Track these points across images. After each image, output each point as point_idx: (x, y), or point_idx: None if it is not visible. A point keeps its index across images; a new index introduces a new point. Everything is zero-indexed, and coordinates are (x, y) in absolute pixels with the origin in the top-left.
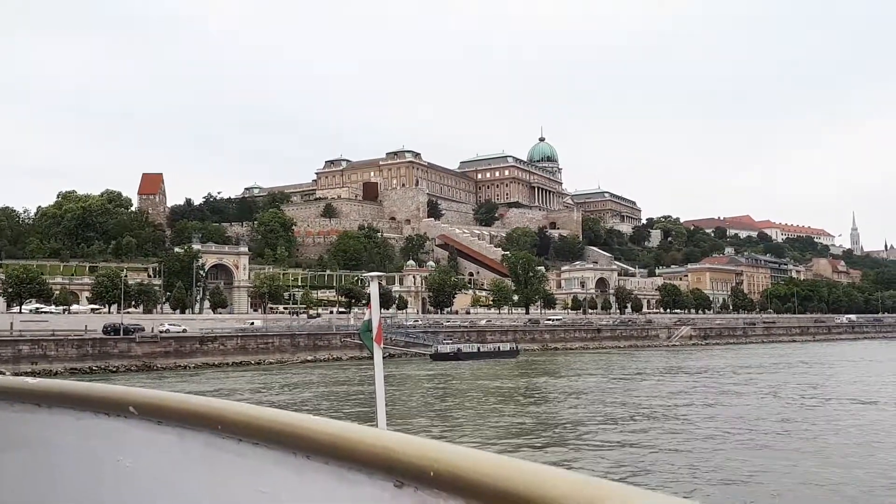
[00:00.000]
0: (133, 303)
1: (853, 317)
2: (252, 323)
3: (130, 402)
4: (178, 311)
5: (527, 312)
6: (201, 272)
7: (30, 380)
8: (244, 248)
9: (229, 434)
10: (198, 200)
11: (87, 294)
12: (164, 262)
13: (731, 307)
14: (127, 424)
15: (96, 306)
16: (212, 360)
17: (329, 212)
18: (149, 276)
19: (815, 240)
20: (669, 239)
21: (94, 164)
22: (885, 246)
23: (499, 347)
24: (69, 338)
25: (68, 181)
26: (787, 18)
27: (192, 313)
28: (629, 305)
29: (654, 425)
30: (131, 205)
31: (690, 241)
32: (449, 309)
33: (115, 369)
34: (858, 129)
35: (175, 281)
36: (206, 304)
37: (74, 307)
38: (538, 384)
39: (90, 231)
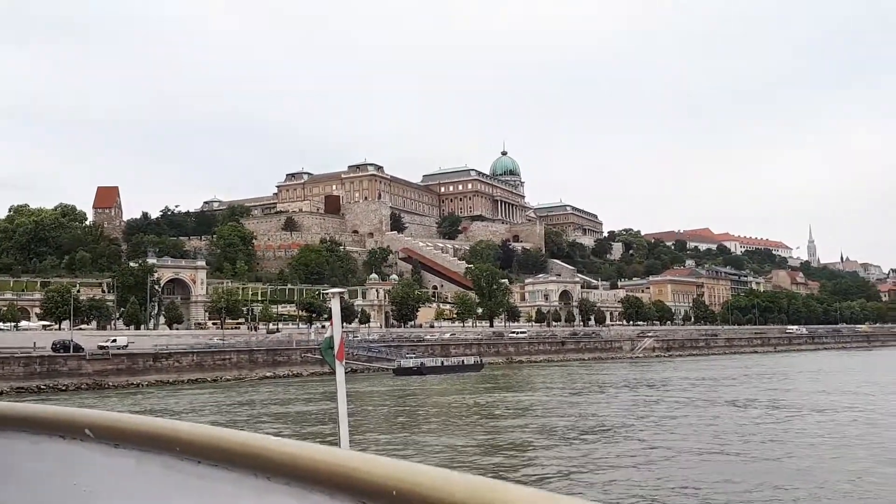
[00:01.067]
0: (85, 319)
1: (794, 328)
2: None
3: (87, 425)
4: (131, 326)
5: (491, 325)
6: (156, 287)
7: None
8: (201, 263)
9: (188, 456)
10: (155, 214)
11: (37, 310)
12: (118, 276)
13: (692, 319)
14: (83, 447)
15: (47, 323)
16: (166, 377)
17: (290, 225)
18: (103, 291)
19: (774, 252)
20: (631, 252)
21: (48, 176)
22: (842, 258)
23: (463, 361)
24: (15, 355)
25: (21, 195)
26: (737, 31)
27: (147, 329)
28: (592, 318)
29: (616, 440)
30: (86, 219)
31: (651, 254)
32: (413, 323)
33: (64, 388)
34: (814, 141)
35: (129, 296)
36: (162, 319)
37: (24, 324)
38: (501, 400)
39: (43, 246)
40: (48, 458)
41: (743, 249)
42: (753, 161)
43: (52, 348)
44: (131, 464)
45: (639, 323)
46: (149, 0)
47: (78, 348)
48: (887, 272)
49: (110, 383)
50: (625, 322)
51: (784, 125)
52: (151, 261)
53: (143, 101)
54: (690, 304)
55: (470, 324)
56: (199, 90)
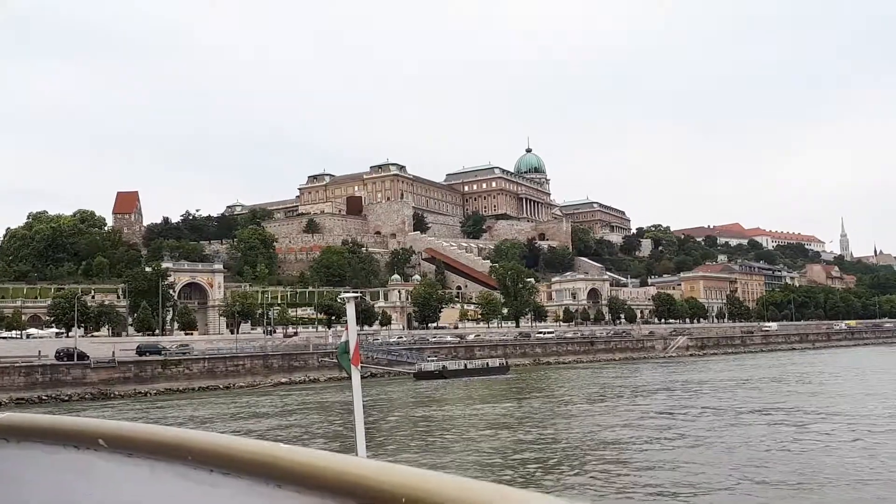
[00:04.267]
0: (95, 325)
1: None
2: None
3: (100, 435)
4: (144, 332)
5: (517, 326)
6: (171, 291)
7: None
8: (218, 266)
9: (200, 465)
10: (176, 219)
11: (45, 317)
12: (130, 281)
13: (727, 316)
14: (97, 457)
15: (59, 330)
16: (176, 385)
17: (312, 227)
18: (118, 297)
19: (806, 246)
20: (660, 248)
21: (70, 185)
22: (875, 251)
23: (487, 364)
24: (16, 365)
25: (43, 204)
26: (768, 26)
27: (161, 335)
28: (622, 316)
29: (652, 454)
30: (105, 224)
31: (681, 250)
32: (436, 324)
33: (67, 398)
34: (843, 133)
35: (143, 301)
36: (176, 325)
37: (34, 331)
38: (528, 407)
39: (61, 252)
40: (62, 469)
41: (775, 244)
42: (782, 155)
43: (55, 357)
44: (145, 473)
45: (671, 321)
46: (168, 14)
47: (83, 356)
48: None
49: (116, 392)
50: (656, 320)
51: (812, 119)
52: (166, 265)
53: (168, 108)
54: (724, 301)
55: (495, 324)
56: (225, 97)
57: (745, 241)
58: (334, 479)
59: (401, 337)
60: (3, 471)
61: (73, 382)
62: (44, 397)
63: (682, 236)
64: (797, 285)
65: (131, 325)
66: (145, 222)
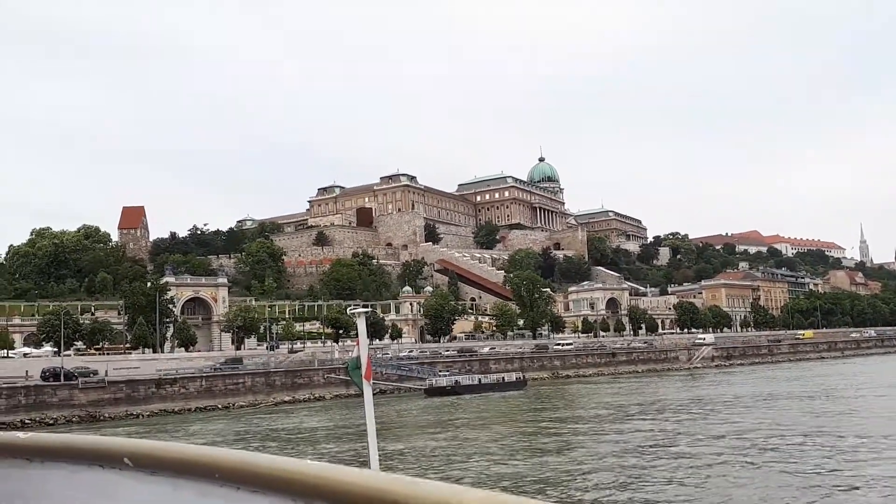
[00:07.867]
0: (91, 343)
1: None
2: None
3: (125, 453)
4: (143, 350)
5: (534, 337)
6: (171, 306)
7: (21, 434)
8: (222, 280)
9: (226, 482)
10: (184, 234)
11: (30, 335)
12: (128, 296)
13: (751, 324)
14: (122, 476)
15: (55, 348)
16: (171, 405)
17: (321, 240)
18: (119, 313)
19: (826, 253)
20: (679, 256)
21: (75, 200)
22: None
23: (503, 378)
24: None
25: (45, 219)
26: (787, 29)
27: (161, 352)
28: (643, 326)
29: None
30: (110, 240)
31: (700, 258)
32: (449, 337)
33: (52, 421)
34: (860, 140)
35: (142, 317)
36: (177, 341)
37: (27, 350)
38: (545, 428)
39: (63, 269)
40: (87, 488)
41: (794, 251)
42: (798, 161)
43: (41, 377)
44: (168, 492)
45: (693, 330)
46: (182, 26)
47: (70, 376)
48: None
49: (106, 414)
50: (678, 329)
51: (827, 126)
52: (168, 279)
53: (177, 122)
54: (748, 309)
55: (511, 336)
56: (236, 111)
57: (764, 249)
58: (362, 495)
59: (411, 350)
60: (28, 492)
61: (59, 404)
62: (27, 421)
63: (701, 244)
64: (821, 292)
65: (128, 342)
66: (152, 237)
